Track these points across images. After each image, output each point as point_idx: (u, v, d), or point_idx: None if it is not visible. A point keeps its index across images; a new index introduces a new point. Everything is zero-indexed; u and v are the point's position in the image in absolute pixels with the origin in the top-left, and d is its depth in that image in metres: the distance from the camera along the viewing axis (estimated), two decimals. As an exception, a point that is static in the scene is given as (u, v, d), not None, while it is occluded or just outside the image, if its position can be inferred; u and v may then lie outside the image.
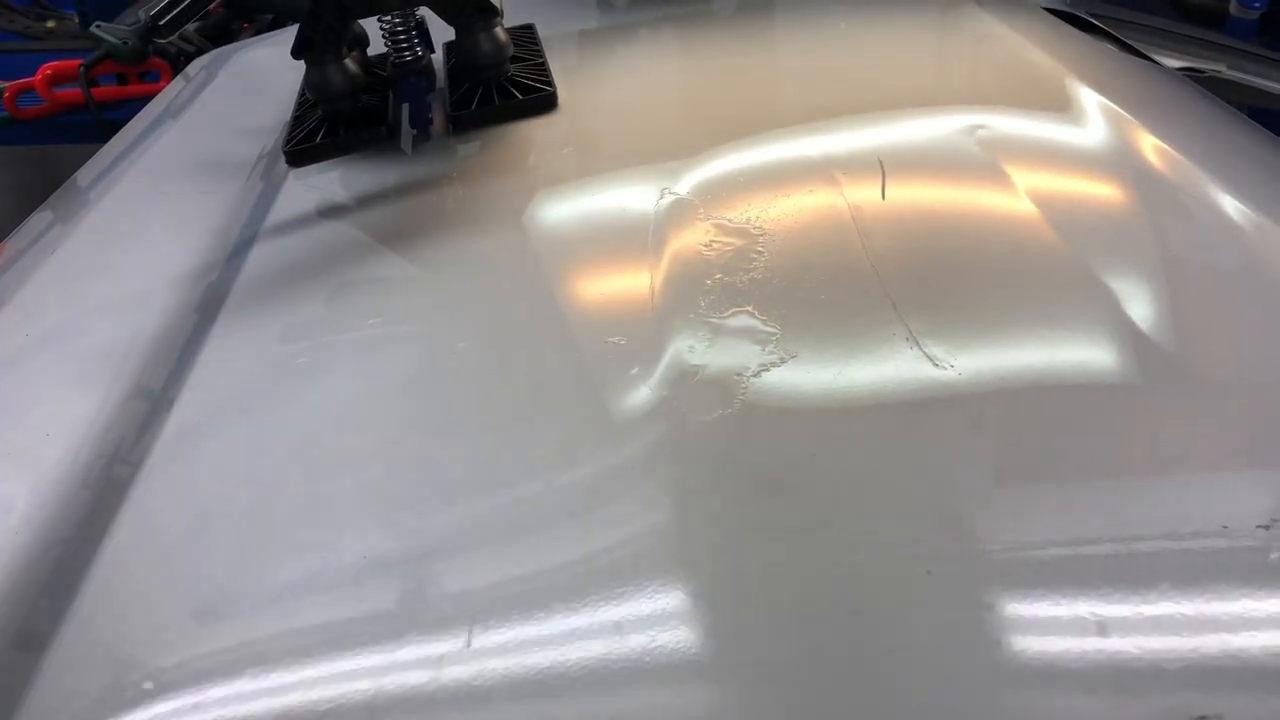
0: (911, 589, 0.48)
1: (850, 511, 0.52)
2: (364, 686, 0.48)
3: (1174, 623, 0.44)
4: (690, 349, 0.63)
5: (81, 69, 1.65)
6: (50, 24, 2.14)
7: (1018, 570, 0.48)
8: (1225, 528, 0.48)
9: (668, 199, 0.79)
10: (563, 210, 0.85)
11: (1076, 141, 0.85)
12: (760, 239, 0.72)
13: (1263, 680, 0.42)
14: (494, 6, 0.97)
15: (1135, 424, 0.56)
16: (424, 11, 1.01)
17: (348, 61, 0.98)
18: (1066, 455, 0.54)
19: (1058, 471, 0.53)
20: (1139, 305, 0.64)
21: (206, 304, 0.81)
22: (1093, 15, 1.22)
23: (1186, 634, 0.44)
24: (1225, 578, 0.46)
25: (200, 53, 1.60)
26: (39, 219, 1.06)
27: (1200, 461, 0.54)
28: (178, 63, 1.74)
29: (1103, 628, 0.45)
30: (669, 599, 0.49)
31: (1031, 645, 0.45)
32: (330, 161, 0.98)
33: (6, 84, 1.72)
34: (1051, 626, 0.46)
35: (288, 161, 0.98)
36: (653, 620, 0.48)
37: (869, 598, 0.48)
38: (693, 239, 0.74)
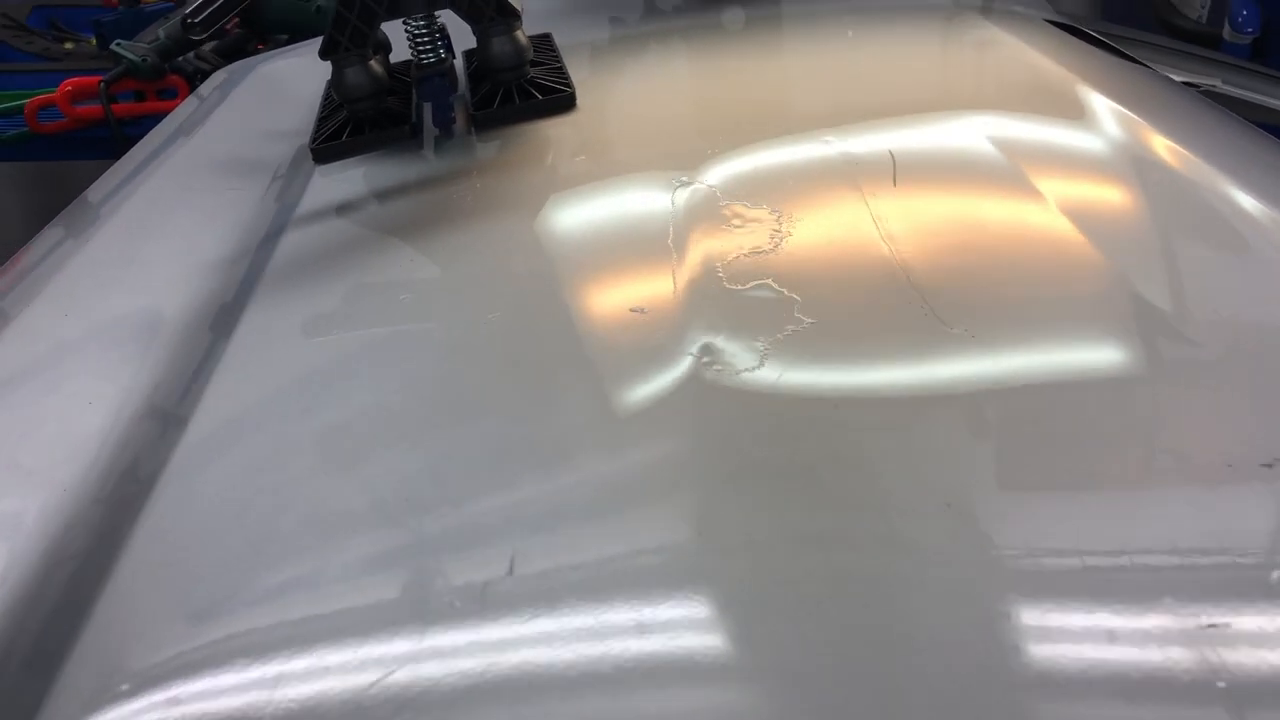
0: (932, 549, 0.49)
1: (874, 488, 0.53)
2: (386, 683, 0.47)
3: (1212, 633, 0.43)
4: (711, 323, 0.65)
5: (102, 85, 1.69)
6: (68, 45, 2.19)
7: (1031, 561, 0.49)
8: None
9: (688, 189, 0.82)
10: (585, 200, 0.88)
11: (1085, 138, 0.88)
12: (779, 233, 0.74)
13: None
14: (515, 9, 1.00)
15: (1155, 416, 0.57)
16: (445, 18, 1.05)
17: (372, 64, 1.01)
18: (1089, 440, 0.54)
19: (1082, 455, 0.54)
20: (1155, 295, 0.65)
21: (238, 291, 0.83)
22: (1091, 30, 1.25)
23: (1217, 644, 0.43)
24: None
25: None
26: (51, 234, 1.07)
27: (1213, 461, 0.53)
28: (194, 80, 1.78)
29: (1121, 634, 0.44)
30: (687, 576, 0.50)
31: (1050, 639, 0.45)
32: (355, 159, 1.01)
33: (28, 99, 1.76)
34: (1070, 625, 0.45)
35: (314, 158, 1.00)
36: (673, 598, 0.49)
37: (888, 570, 0.49)
38: (712, 225, 0.76)
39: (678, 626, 0.47)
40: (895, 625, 0.46)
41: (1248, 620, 0.43)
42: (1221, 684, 0.40)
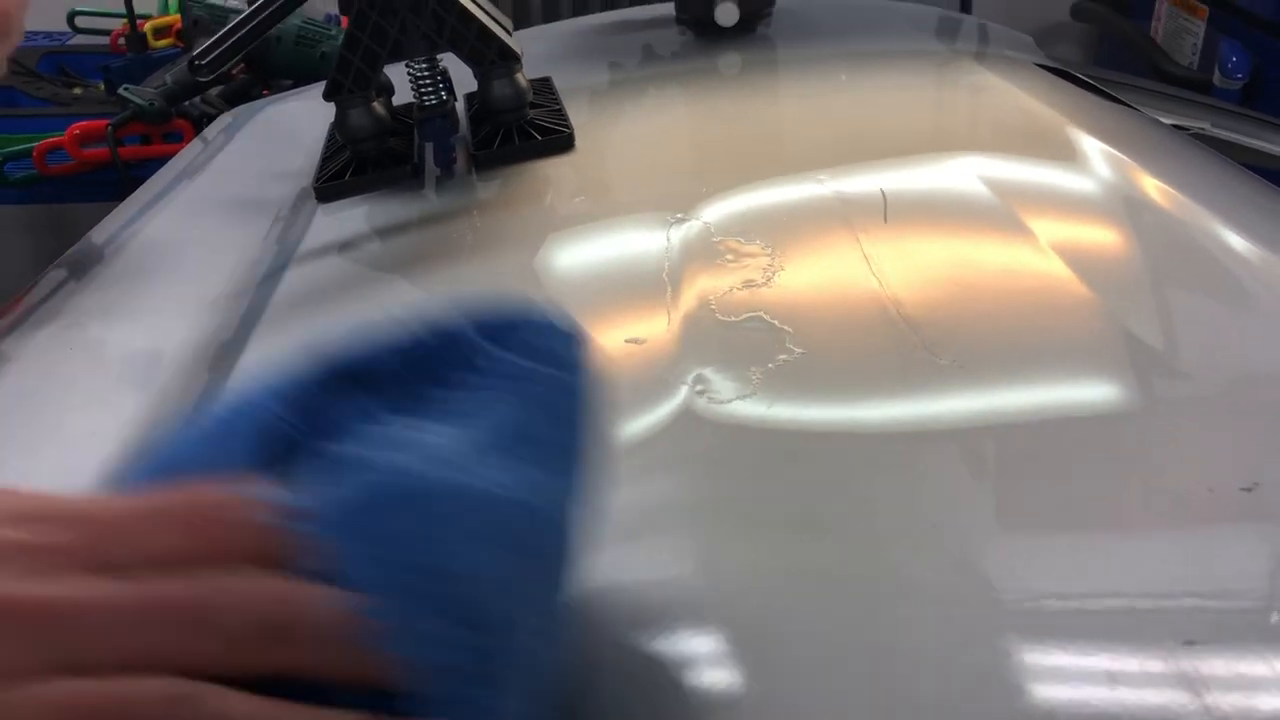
0: (921, 574, 0.50)
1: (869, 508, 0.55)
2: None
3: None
4: (704, 353, 0.66)
5: (109, 128, 1.71)
6: (77, 91, 2.22)
7: (1018, 583, 0.50)
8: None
9: (683, 226, 0.83)
10: (583, 236, 0.89)
11: (1075, 178, 0.90)
12: (771, 268, 0.76)
13: None
14: (515, 53, 1.03)
15: (1139, 444, 0.57)
16: (447, 61, 1.07)
17: (375, 105, 1.03)
18: (1075, 463, 0.55)
19: (1068, 478, 0.54)
20: (1142, 329, 0.66)
21: (239, 327, 0.85)
22: (1082, 74, 1.28)
23: (1196, 663, 0.43)
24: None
25: (223, 115, 1.67)
26: (56, 273, 1.08)
27: (1195, 487, 0.53)
28: (200, 124, 1.81)
29: (1104, 653, 0.45)
30: (679, 603, 0.51)
31: (1038, 662, 0.45)
32: (358, 198, 1.02)
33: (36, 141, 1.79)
34: (1056, 646, 0.45)
35: (317, 197, 1.02)
36: (663, 626, 0.49)
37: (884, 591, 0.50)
38: (706, 260, 0.78)
39: (670, 650, 0.48)
40: (887, 655, 0.46)
41: (1227, 640, 0.43)
42: (1202, 699, 0.40)
